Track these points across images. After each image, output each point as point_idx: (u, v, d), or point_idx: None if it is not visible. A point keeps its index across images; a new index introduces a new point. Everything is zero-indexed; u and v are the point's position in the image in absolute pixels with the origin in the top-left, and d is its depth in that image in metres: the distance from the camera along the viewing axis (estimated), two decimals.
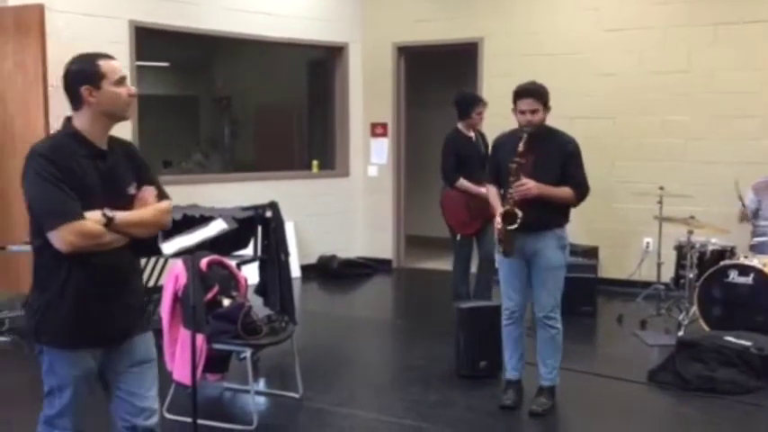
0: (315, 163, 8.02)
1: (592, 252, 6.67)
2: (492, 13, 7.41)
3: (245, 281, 4.15)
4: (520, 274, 3.98)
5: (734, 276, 5.13)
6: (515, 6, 7.33)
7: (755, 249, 5.44)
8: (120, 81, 2.42)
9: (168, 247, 3.27)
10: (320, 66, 8.35)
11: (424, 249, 8.49)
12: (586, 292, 5.99)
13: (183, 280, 3.75)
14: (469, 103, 5.57)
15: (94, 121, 2.41)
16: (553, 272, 3.93)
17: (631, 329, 5.58)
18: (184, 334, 3.67)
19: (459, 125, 5.60)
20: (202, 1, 6.85)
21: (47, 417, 2.46)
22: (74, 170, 2.33)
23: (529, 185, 3.76)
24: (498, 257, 4.08)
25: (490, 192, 4.09)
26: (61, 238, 2.28)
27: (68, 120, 2.43)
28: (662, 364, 4.53)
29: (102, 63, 2.41)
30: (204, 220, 3.74)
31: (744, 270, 5.11)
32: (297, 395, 4.14)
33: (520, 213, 3.73)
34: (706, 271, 5.30)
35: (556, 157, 3.87)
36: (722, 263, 5.28)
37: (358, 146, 8.17)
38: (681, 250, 5.77)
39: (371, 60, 8.06)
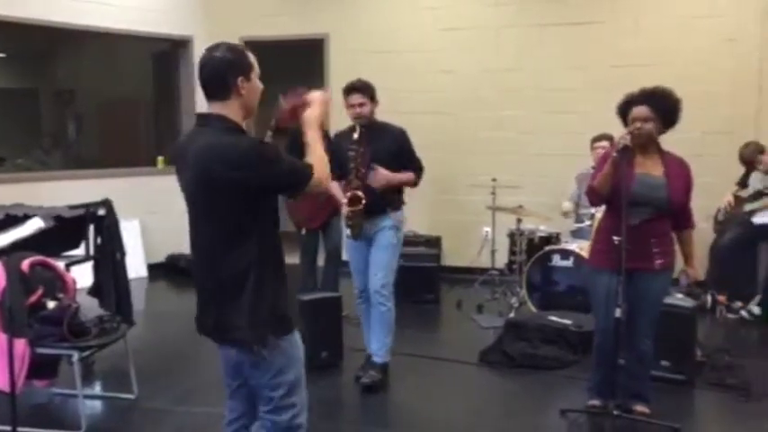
0: (160, 159, 7.81)
1: (435, 242, 6.95)
2: (336, 9, 7.53)
3: (74, 282, 4.01)
4: (364, 255, 4.33)
5: (557, 260, 5.55)
6: (359, 4, 7.49)
7: (576, 235, 5.89)
8: (258, 74, 2.38)
9: None
10: (166, 59, 8.13)
11: None
12: (429, 280, 6.28)
13: (2, 282, 3.58)
14: None
15: (239, 113, 2.34)
16: (384, 250, 4.26)
17: (469, 314, 5.90)
18: (3, 339, 3.51)
19: None
20: None
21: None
22: None
23: (384, 174, 4.13)
24: (347, 243, 4.42)
25: (333, 187, 4.33)
26: None
27: (210, 115, 2.33)
28: (491, 345, 4.85)
29: (250, 54, 2.36)
30: (25, 219, 3.60)
31: (565, 254, 5.54)
32: (132, 396, 4.07)
33: (362, 195, 4.10)
34: (533, 256, 5.70)
35: (390, 147, 4.26)
36: (546, 248, 5.69)
37: None
38: (513, 237, 6.17)
39: None
